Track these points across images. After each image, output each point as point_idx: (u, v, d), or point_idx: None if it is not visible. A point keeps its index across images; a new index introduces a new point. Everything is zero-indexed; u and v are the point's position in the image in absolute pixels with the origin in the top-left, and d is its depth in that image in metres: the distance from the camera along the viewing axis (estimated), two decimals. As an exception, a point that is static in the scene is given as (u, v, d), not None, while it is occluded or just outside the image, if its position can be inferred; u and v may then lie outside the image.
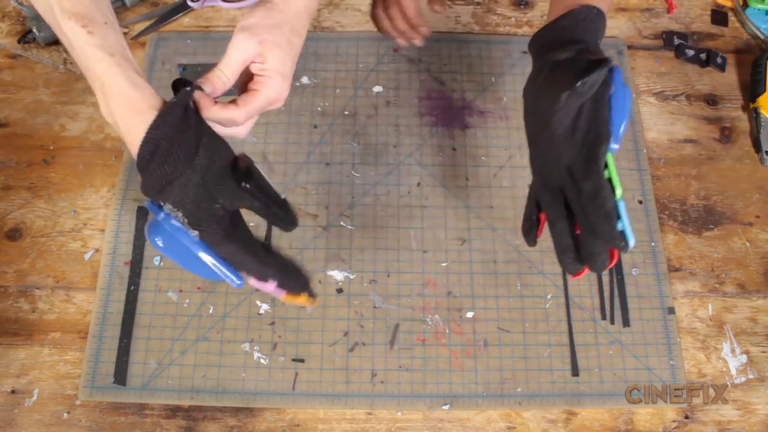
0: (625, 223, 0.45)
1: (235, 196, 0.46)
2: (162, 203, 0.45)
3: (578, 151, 0.46)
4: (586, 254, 0.47)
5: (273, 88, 0.50)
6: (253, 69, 0.49)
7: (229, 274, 0.47)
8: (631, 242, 0.45)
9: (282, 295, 0.51)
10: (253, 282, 0.50)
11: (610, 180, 0.46)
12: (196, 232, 0.45)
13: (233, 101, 0.48)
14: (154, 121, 0.43)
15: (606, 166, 0.46)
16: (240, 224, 0.50)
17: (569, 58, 0.47)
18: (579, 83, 0.44)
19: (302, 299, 0.52)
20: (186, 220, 0.45)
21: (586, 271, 0.49)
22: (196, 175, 0.44)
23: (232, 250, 0.47)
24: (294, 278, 0.52)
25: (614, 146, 0.46)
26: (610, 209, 0.45)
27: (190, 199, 0.44)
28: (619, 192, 0.46)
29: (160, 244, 0.45)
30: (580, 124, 0.46)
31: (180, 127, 0.43)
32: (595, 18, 0.49)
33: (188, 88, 0.45)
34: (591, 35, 0.49)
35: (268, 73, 0.49)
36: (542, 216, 0.52)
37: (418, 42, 0.71)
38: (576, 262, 0.48)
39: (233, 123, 0.48)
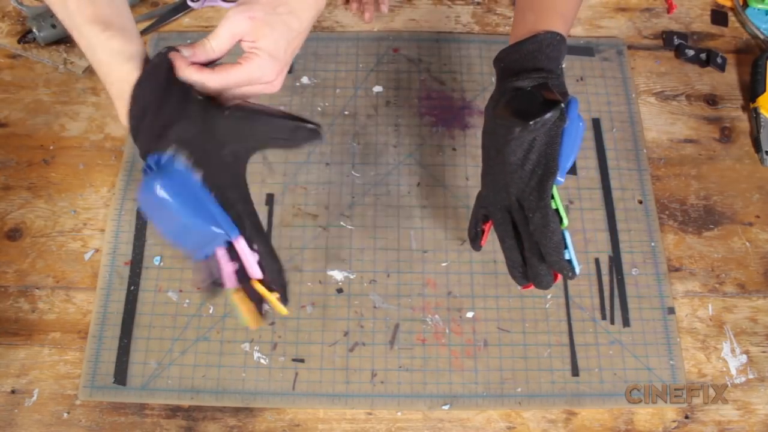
0: (571, 253, 0.48)
1: (239, 132, 0.46)
2: (162, 151, 0.45)
3: (527, 182, 0.49)
4: (533, 275, 0.50)
5: (257, 66, 0.48)
6: (243, 46, 0.49)
7: (226, 224, 0.46)
8: (578, 270, 0.48)
9: (234, 286, 0.48)
10: (239, 244, 0.47)
11: (557, 211, 0.48)
12: (200, 173, 0.45)
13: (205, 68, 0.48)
14: (137, 82, 0.44)
15: (552, 197, 0.48)
16: (244, 184, 0.49)
17: (530, 89, 0.49)
18: (531, 122, 0.46)
19: (272, 297, 0.49)
20: (192, 160, 0.45)
21: (533, 286, 0.51)
22: (197, 119, 0.45)
23: (235, 198, 0.47)
24: (276, 269, 0.49)
25: (560, 179, 0.48)
26: (558, 241, 0.47)
27: (191, 134, 0.45)
28: (565, 222, 0.48)
29: (160, 194, 0.43)
30: (531, 156, 0.48)
31: (164, 81, 0.45)
32: (558, 45, 0.51)
33: (165, 49, 0.46)
34: (553, 62, 0.51)
35: (256, 51, 0.48)
36: (486, 226, 0.55)
37: (367, 17, 0.78)
38: (524, 277, 0.51)
39: (204, 87, 0.47)
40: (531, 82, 0.49)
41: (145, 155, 0.46)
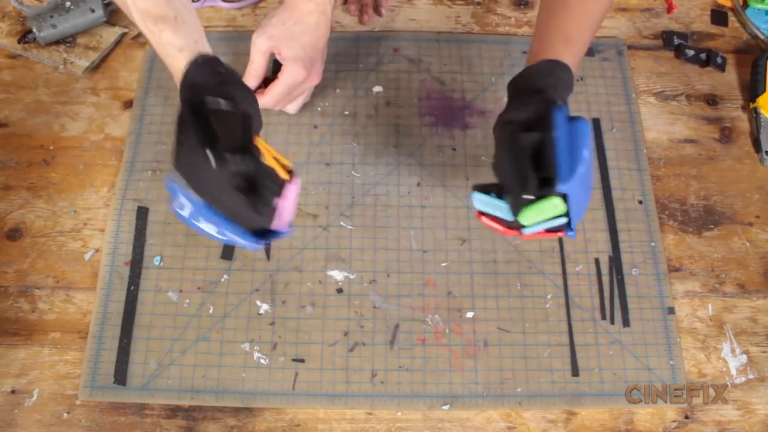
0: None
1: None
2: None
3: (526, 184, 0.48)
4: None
5: (289, 75, 0.63)
6: (279, 59, 0.63)
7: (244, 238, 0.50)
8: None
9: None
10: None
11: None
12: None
13: (263, 89, 0.64)
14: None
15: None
16: None
17: (526, 110, 0.50)
18: (524, 137, 0.48)
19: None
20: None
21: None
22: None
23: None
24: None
25: (571, 234, 0.49)
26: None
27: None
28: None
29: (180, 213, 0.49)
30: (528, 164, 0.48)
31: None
32: (559, 72, 0.53)
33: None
34: (554, 85, 0.52)
35: (284, 62, 0.63)
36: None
37: (365, 19, 0.80)
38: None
39: (265, 107, 0.63)
40: (530, 102, 0.50)
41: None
